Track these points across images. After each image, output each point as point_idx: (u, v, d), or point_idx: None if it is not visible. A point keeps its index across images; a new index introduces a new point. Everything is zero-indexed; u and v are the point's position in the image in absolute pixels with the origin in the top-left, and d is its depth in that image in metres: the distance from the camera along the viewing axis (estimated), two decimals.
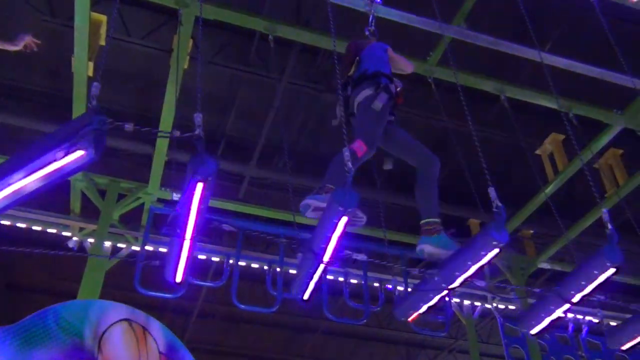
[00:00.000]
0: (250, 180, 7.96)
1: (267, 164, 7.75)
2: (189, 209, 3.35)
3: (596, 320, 9.97)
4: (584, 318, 9.11)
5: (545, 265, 9.20)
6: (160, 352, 4.96)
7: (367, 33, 4.64)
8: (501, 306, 9.41)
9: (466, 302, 9.21)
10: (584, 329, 9.25)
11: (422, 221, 3.73)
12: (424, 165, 3.96)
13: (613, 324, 9.52)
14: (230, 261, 7.44)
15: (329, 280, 7.93)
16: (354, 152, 3.56)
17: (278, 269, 7.43)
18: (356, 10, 5.05)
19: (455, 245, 3.63)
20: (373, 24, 4.67)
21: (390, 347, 13.62)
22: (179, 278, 3.97)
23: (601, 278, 3.61)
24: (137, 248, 7.29)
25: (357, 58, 4.39)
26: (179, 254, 3.76)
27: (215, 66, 6.96)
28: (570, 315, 8.99)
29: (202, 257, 7.86)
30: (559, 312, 3.99)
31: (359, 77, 4.16)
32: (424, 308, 3.86)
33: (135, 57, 7.14)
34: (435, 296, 3.72)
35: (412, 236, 8.24)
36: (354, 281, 8.41)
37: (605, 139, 7.02)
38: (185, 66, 6.08)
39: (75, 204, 7.34)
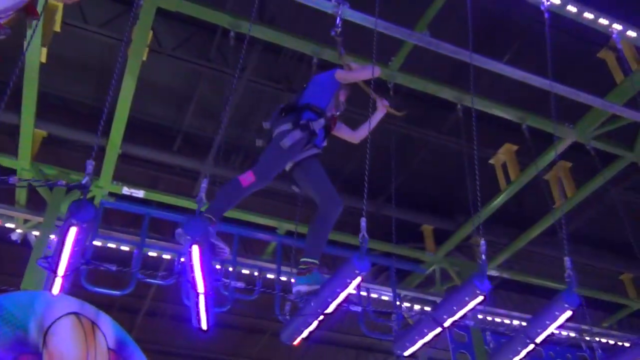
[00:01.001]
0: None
1: (224, 162, 7.65)
2: (62, 249, 3.48)
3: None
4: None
5: (493, 273, 9.40)
6: (109, 348, 4.80)
7: (333, 34, 4.57)
8: None
9: (416, 307, 9.31)
10: None
11: (301, 259, 3.98)
12: (327, 206, 4.06)
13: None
14: (182, 259, 7.35)
15: (283, 281, 7.95)
16: (238, 181, 3.83)
17: (230, 269, 7.38)
18: (321, 11, 5.03)
19: (324, 279, 3.87)
20: (340, 25, 4.60)
21: (339, 350, 13.65)
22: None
23: (471, 305, 3.91)
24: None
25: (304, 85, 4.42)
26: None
27: (175, 60, 6.83)
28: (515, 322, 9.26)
29: (152, 254, 7.69)
30: (431, 335, 4.22)
31: (287, 107, 4.22)
32: (306, 333, 3.99)
33: (92, 46, 6.94)
34: (313, 321, 3.86)
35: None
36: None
37: (556, 151, 7.22)
38: (144, 58, 5.94)
39: (21, 195, 7.06)
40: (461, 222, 8.94)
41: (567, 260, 4.16)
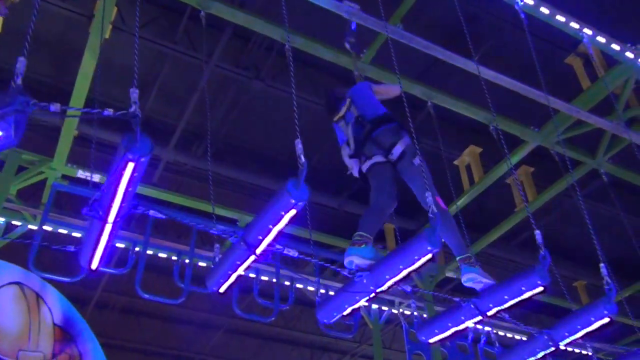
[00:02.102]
0: (166, 165, 7.58)
1: (186, 149, 7.41)
2: (116, 190, 3.06)
3: (495, 331, 10.40)
4: (483, 328, 9.42)
5: (451, 275, 9.43)
6: (55, 324, 4.50)
7: (347, 46, 4.94)
8: (407, 312, 9.54)
9: (374, 307, 9.25)
10: (482, 339, 9.59)
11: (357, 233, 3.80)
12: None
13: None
14: (137, 249, 7.07)
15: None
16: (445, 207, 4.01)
17: (187, 260, 7.15)
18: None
19: (379, 255, 3.68)
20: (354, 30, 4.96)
21: (294, 349, 13.53)
22: (94, 265, 3.63)
23: (527, 294, 3.68)
24: (35, 227, 6.72)
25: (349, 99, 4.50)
26: (98, 239, 3.44)
27: (140, 39, 6.54)
28: (470, 325, 9.27)
29: None
30: (468, 323, 4.02)
31: (386, 117, 4.31)
32: (349, 310, 3.78)
33: (53, 20, 6.61)
34: (362, 299, 3.66)
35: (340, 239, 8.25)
36: (264, 278, 8.26)
37: (520, 155, 7.27)
38: (107, 36, 5.67)
39: None
40: (423, 223, 8.93)
41: (602, 267, 4.15)
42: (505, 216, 8.12)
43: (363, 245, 3.67)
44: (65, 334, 4.54)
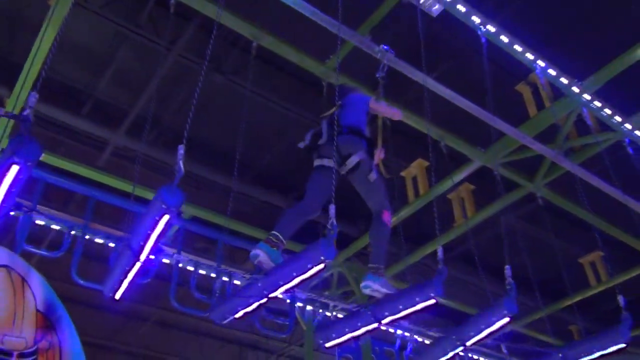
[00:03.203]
0: (113, 150, 7.39)
1: (136, 135, 7.24)
2: None
3: (420, 339, 10.72)
4: (411, 335, 9.70)
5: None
6: (37, 310, 4.33)
7: (378, 76, 5.23)
8: (340, 315, 9.69)
9: (308, 308, 9.33)
10: (409, 346, 9.89)
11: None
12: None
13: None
14: (73, 232, 6.84)
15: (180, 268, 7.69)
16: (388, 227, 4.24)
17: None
18: None
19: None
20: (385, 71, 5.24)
21: (222, 345, 13.42)
22: None
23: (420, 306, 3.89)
24: None
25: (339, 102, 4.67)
26: None
27: (100, 18, 6.36)
28: (399, 331, 9.53)
29: (40, 222, 7.09)
30: (363, 330, 4.19)
31: (350, 128, 4.44)
32: (241, 313, 3.88)
33: None
34: (255, 302, 3.76)
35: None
36: (202, 272, 8.19)
37: (464, 172, 7.56)
38: (66, 11, 5.48)
39: None
40: (363, 230, 9.10)
41: (507, 269, 4.39)
42: (444, 230, 8.40)
43: (275, 248, 3.79)
44: (46, 320, 4.37)
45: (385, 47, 5.48)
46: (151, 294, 10.62)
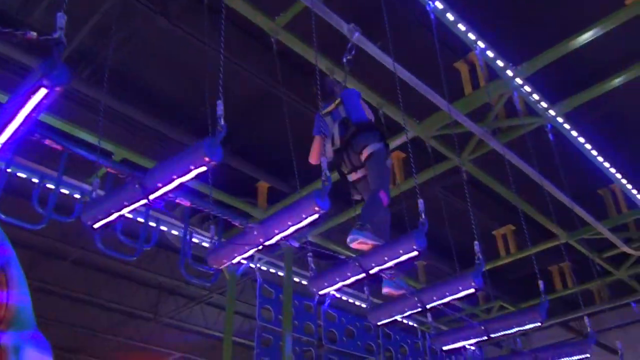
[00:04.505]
0: None
1: (71, 71, 6.94)
2: (18, 111, 3.02)
3: (338, 296, 11.16)
4: (328, 292, 10.07)
5: (312, 239, 9.92)
6: None
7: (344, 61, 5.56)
8: (264, 267, 9.91)
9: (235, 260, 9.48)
10: (326, 301, 10.29)
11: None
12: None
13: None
14: None
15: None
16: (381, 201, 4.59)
17: (52, 186, 6.80)
18: None
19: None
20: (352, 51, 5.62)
21: (140, 288, 13.38)
22: None
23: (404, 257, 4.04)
24: None
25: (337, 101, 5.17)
26: None
27: None
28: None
29: None
30: (353, 279, 4.31)
31: (361, 125, 4.95)
32: (238, 259, 3.99)
33: None
34: (250, 249, 3.85)
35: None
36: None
37: (398, 140, 7.80)
38: None
39: None
40: (294, 186, 9.24)
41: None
42: None
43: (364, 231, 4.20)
44: None
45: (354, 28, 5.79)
46: (72, 233, 10.40)
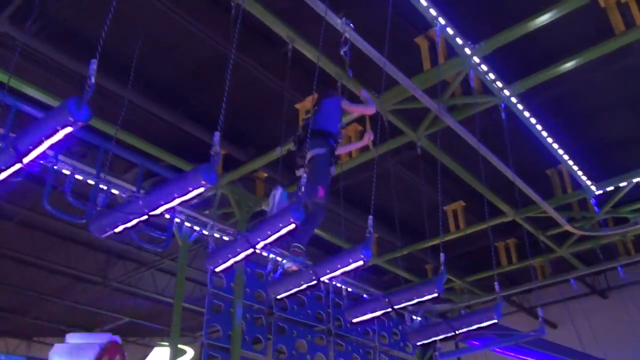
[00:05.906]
0: None
1: (20, 22, 6.64)
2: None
3: (289, 265, 11.20)
4: (281, 261, 10.15)
5: (266, 207, 9.91)
6: None
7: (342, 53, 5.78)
8: (217, 235, 9.87)
9: (187, 225, 9.39)
10: (279, 270, 10.34)
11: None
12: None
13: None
14: None
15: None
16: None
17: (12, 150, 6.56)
18: None
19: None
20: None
21: (89, 252, 13.16)
22: None
23: (284, 231, 4.14)
24: None
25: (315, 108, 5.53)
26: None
27: None
28: (272, 256, 9.95)
29: None
30: (242, 255, 4.44)
31: (314, 132, 5.20)
32: (120, 228, 3.96)
33: None
34: (134, 219, 3.86)
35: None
36: (78, 177, 7.93)
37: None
38: None
39: None
40: (252, 155, 9.19)
41: (370, 219, 4.61)
42: None
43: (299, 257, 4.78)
44: None
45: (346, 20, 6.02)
46: (18, 193, 10.09)
